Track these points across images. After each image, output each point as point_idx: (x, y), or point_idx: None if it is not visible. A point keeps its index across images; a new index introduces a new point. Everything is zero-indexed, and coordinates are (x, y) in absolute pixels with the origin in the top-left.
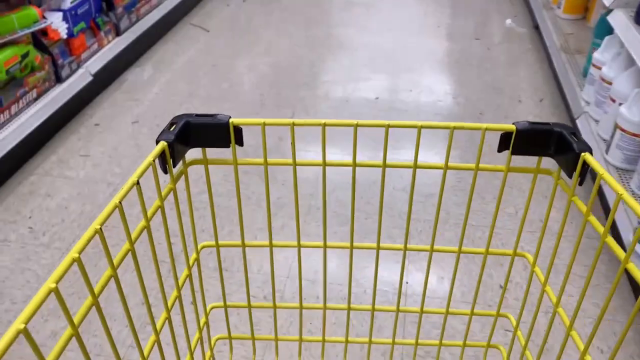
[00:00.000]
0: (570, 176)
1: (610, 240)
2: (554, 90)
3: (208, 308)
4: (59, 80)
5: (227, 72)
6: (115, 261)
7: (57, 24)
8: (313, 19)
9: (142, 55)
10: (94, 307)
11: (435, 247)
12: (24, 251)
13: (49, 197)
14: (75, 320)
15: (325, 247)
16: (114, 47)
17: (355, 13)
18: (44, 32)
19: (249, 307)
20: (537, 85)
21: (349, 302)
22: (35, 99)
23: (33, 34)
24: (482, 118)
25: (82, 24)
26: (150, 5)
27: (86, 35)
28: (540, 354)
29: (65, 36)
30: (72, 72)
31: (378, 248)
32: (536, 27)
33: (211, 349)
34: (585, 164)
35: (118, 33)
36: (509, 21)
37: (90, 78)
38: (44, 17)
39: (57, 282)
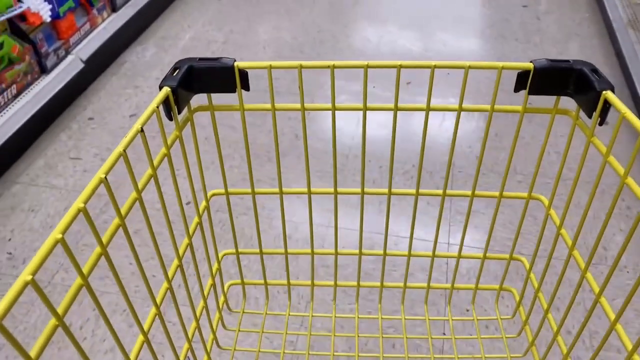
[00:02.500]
0: (590, 116)
1: (631, 182)
2: (618, 74)
3: (220, 255)
4: (43, 71)
5: (240, 49)
6: (123, 211)
7: (38, 5)
8: None
9: (144, 32)
10: (103, 258)
11: (449, 191)
12: (1, 284)
13: (33, 212)
14: (85, 270)
15: (336, 193)
16: (109, 25)
17: None
18: (22, 16)
19: (261, 253)
20: (596, 65)
21: (360, 247)
22: (16, 96)
23: (9, 20)
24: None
25: (70, 3)
26: None
27: (76, 14)
28: (553, 297)
29: (49, 19)
30: (60, 60)
31: (389, 193)
32: None
33: (224, 295)
34: (607, 103)
35: (114, 9)
36: None
37: (82, 65)
38: (19, 0)
39: (64, 232)
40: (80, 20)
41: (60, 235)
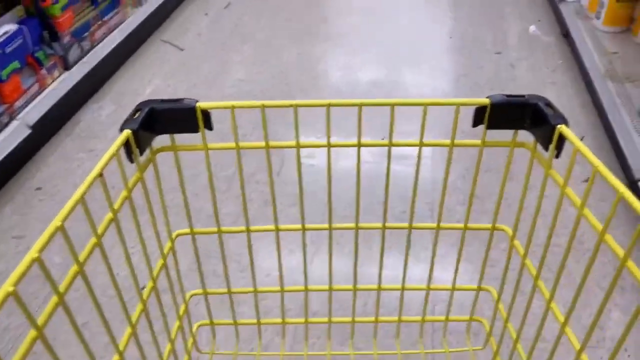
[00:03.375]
0: (546, 149)
1: (588, 213)
2: (597, 125)
3: (187, 296)
4: None
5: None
6: (82, 257)
7: None
8: (306, 29)
9: (100, 88)
10: (60, 308)
11: (414, 224)
12: None
13: None
14: (39, 321)
15: (303, 229)
16: (61, 85)
17: (354, 20)
18: None
19: (229, 292)
20: (574, 116)
21: (330, 282)
22: None
23: None
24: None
25: (15, 64)
26: (109, 26)
27: (22, 76)
28: (521, 327)
29: None
30: (3, 127)
31: (357, 228)
32: (565, 35)
33: (193, 336)
34: (562, 137)
35: (67, 67)
36: (532, 28)
37: (28, 131)
38: None
39: (16, 284)
40: (27, 82)
41: (12, 288)
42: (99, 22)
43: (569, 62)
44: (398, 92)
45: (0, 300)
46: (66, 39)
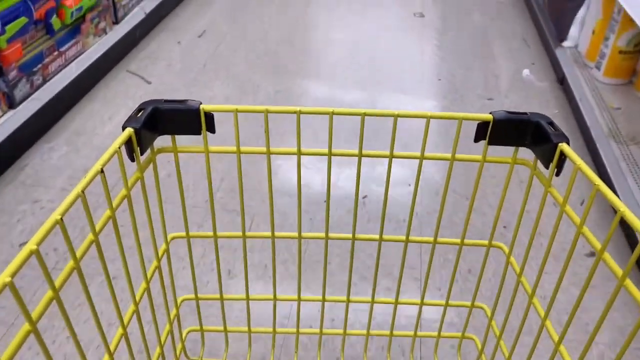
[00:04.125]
0: (547, 167)
1: (587, 231)
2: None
3: (179, 300)
4: None
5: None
6: (78, 253)
7: None
8: (285, 63)
9: (53, 127)
10: (54, 301)
11: (411, 237)
12: None
13: None
14: (34, 316)
15: (299, 237)
16: (5, 125)
17: (335, 56)
18: None
19: (221, 299)
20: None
21: (324, 294)
22: None
23: None
24: (506, 233)
25: None
26: (66, 57)
27: None
28: (514, 345)
29: None
30: None
31: (353, 239)
32: (561, 82)
33: (182, 342)
34: (562, 155)
35: (12, 105)
36: (526, 72)
37: None
38: None
39: (13, 275)
40: None
41: (8, 279)
42: (55, 54)
43: (565, 112)
44: (383, 137)
45: (22, 257)
46: (12, 74)
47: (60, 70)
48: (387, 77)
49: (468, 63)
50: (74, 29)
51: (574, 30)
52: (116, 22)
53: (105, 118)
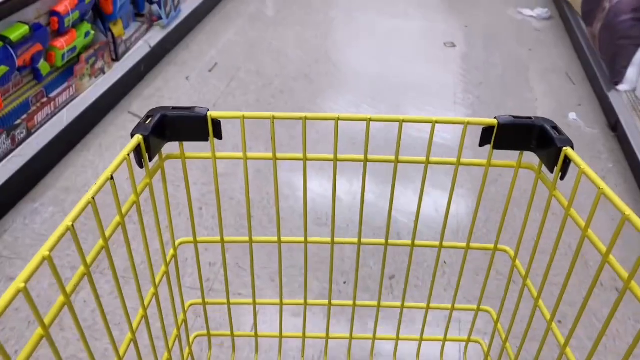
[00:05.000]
0: (551, 171)
1: (592, 235)
2: None
3: (186, 305)
4: None
5: (177, 206)
6: (89, 259)
7: None
8: (300, 105)
9: (39, 183)
10: (65, 307)
11: (417, 242)
12: None
13: None
14: (46, 320)
15: (305, 242)
16: None
17: (359, 91)
18: None
19: (228, 303)
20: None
21: (330, 298)
22: None
23: None
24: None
25: None
26: (56, 104)
27: None
28: (520, 349)
29: None
30: None
31: (359, 243)
32: (614, 129)
33: (190, 346)
34: (567, 159)
35: None
36: (573, 116)
37: None
38: None
39: (27, 281)
40: None
41: (22, 285)
42: (43, 100)
43: (622, 167)
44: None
45: (11, 295)
46: None
47: (49, 119)
48: (417, 127)
49: (504, 102)
50: (66, 72)
51: (631, 73)
52: (116, 59)
53: (100, 170)
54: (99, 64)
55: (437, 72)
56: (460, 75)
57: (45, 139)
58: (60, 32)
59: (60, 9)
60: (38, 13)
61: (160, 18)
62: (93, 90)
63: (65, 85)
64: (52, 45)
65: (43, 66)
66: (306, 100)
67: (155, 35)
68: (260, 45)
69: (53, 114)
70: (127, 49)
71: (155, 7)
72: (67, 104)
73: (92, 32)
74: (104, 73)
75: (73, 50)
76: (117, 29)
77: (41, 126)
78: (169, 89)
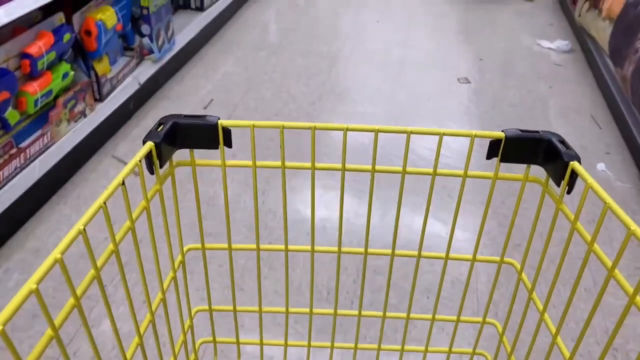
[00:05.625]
0: (558, 185)
1: (597, 249)
2: None
3: (193, 311)
4: None
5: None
6: (99, 263)
7: None
8: (300, 151)
9: (5, 243)
10: (75, 310)
11: (423, 253)
12: None
13: None
14: (57, 322)
15: (312, 251)
16: None
17: (365, 134)
18: None
19: (234, 310)
20: None
21: (336, 307)
22: None
23: None
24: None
25: None
26: (27, 155)
27: None
28: None
29: None
30: None
31: (366, 253)
32: None
33: (195, 353)
34: (574, 173)
35: None
36: (601, 166)
37: None
38: None
39: (39, 283)
40: None
41: (34, 286)
42: (12, 152)
43: None
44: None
45: (23, 296)
46: None
47: (19, 172)
48: (427, 167)
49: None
50: (40, 118)
51: None
52: (100, 99)
53: (71, 223)
54: (80, 107)
55: (451, 112)
56: (476, 117)
57: (13, 195)
58: (32, 76)
59: (33, 50)
60: (6, 56)
61: (151, 52)
62: (72, 136)
63: (39, 133)
64: (23, 91)
65: (11, 115)
66: (308, 144)
67: (146, 70)
68: (260, 78)
69: (23, 166)
70: (113, 88)
71: (146, 40)
72: (41, 153)
73: (72, 72)
74: (84, 116)
75: (48, 95)
76: (101, 66)
77: (8, 181)
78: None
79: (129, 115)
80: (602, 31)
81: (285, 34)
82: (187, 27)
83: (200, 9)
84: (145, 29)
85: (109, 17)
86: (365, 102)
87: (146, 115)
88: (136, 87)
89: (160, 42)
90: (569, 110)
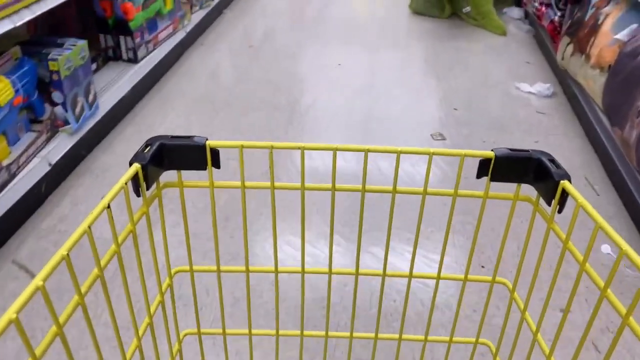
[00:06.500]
0: (549, 204)
1: (589, 269)
2: None
3: (181, 335)
4: None
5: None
6: (83, 288)
7: None
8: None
9: None
10: (58, 338)
11: (415, 273)
12: None
13: None
14: (37, 352)
15: (303, 272)
16: None
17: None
18: None
19: (224, 334)
20: None
21: (327, 330)
22: None
23: None
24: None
25: None
26: None
27: None
28: None
29: None
30: None
31: (357, 274)
32: None
33: None
34: (565, 192)
35: None
36: (606, 248)
37: None
38: None
39: (19, 311)
40: None
41: (14, 315)
42: None
43: None
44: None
45: (28, 293)
46: None
47: None
48: (395, 239)
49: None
50: None
51: None
52: None
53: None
54: None
55: (424, 172)
56: (451, 179)
57: None
58: None
59: None
60: None
61: (67, 123)
62: None
63: None
64: None
65: None
66: (263, 213)
67: (62, 144)
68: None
69: None
70: (13, 175)
71: (59, 110)
72: None
73: None
74: None
75: None
76: None
77: None
78: (76, 216)
79: (40, 201)
80: (591, 80)
81: (237, 81)
82: (118, 82)
83: (134, 60)
84: (56, 96)
85: (2, 90)
86: (323, 171)
87: (63, 199)
88: (46, 168)
89: (77, 110)
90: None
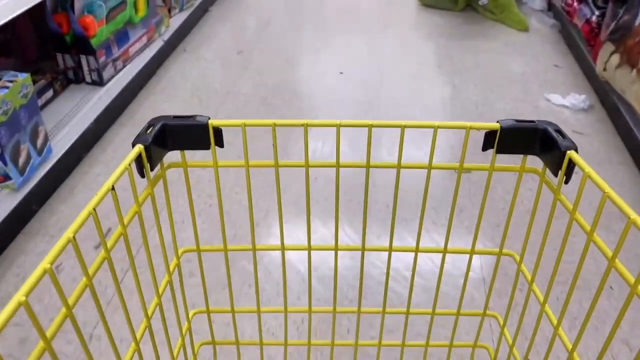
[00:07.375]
0: (555, 175)
1: (597, 239)
2: None
3: (190, 314)
4: None
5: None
6: (91, 270)
7: None
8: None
9: None
10: (68, 319)
11: (421, 247)
12: None
13: None
14: (48, 334)
15: (309, 249)
16: None
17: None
18: None
19: (232, 312)
20: None
21: (334, 305)
22: None
23: None
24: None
25: None
26: None
27: None
28: (527, 354)
29: None
30: None
31: (363, 249)
32: None
33: (194, 355)
34: (571, 162)
35: None
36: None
37: None
38: None
39: (28, 294)
40: None
41: (23, 298)
42: None
43: None
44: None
45: (37, 276)
46: None
47: None
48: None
49: (547, 266)
50: None
51: None
52: None
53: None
54: None
55: (453, 227)
56: (488, 227)
57: None
58: None
59: None
60: None
61: (8, 178)
62: None
63: None
64: None
65: None
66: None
67: (3, 204)
68: (173, 195)
69: None
70: None
71: None
72: None
73: None
74: None
75: None
76: None
77: None
78: (30, 264)
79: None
80: None
81: (225, 95)
82: (81, 111)
83: (99, 83)
84: None
85: None
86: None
87: (10, 266)
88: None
89: (22, 161)
90: (609, 213)
